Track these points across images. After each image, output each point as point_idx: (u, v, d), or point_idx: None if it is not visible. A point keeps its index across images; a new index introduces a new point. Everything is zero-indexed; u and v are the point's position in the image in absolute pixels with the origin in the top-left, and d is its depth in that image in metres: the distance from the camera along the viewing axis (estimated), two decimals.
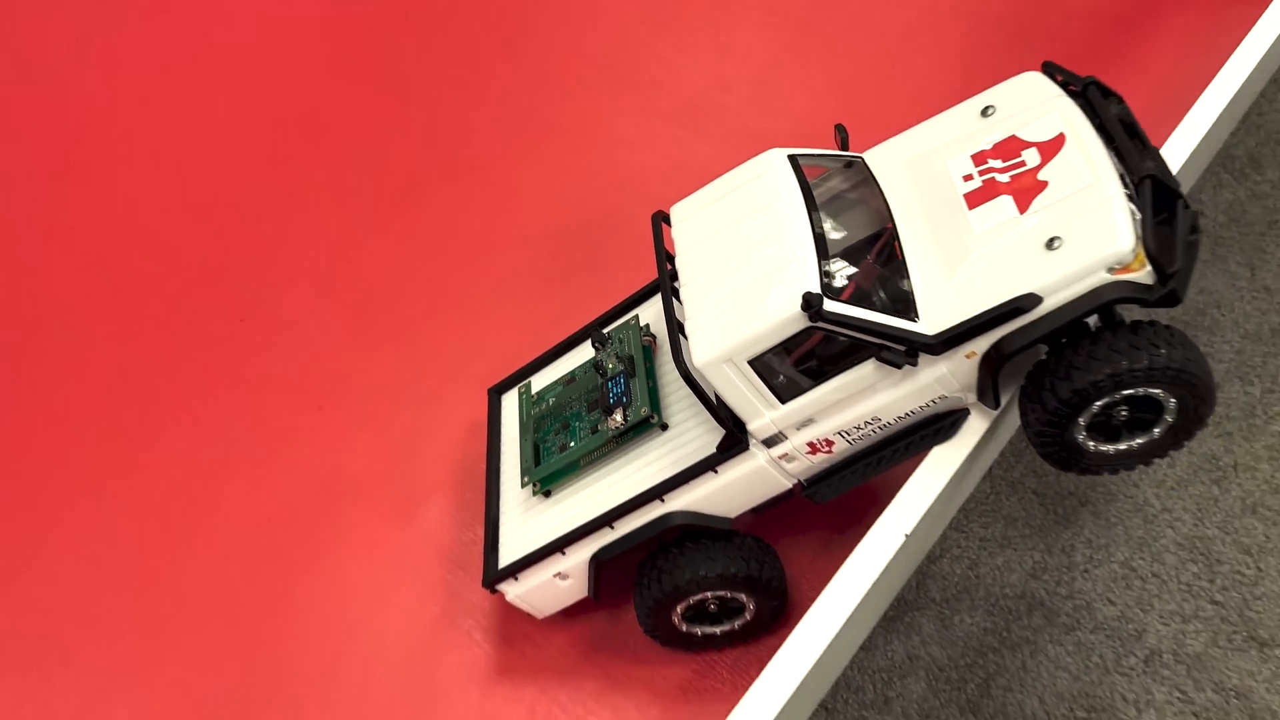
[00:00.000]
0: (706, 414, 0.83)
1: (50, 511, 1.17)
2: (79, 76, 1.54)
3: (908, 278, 0.79)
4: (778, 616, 0.93)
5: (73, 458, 1.21)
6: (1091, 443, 0.82)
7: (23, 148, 1.48)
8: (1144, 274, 0.74)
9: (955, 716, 0.96)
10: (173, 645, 1.05)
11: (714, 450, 0.84)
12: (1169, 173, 0.77)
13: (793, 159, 0.85)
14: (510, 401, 1.03)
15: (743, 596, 0.90)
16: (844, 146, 0.90)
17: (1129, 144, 0.78)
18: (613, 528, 0.88)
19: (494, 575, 0.92)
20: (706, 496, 0.86)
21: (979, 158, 0.81)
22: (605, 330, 0.98)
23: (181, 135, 1.47)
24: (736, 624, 0.93)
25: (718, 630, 0.93)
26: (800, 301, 0.75)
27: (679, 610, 0.90)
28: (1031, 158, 0.79)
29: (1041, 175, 0.78)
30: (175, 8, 1.60)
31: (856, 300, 0.77)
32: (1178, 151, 0.97)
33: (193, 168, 1.43)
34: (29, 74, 1.55)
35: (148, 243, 1.36)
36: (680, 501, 0.87)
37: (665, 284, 0.85)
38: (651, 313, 0.97)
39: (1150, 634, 0.97)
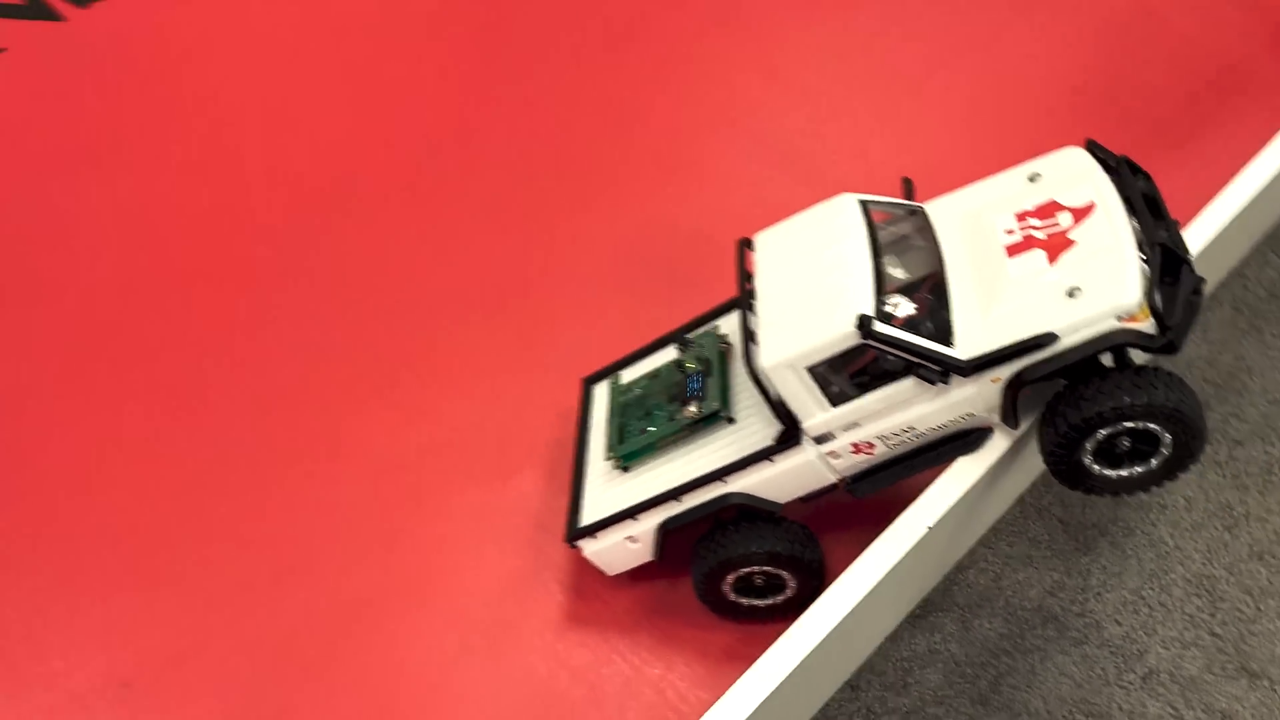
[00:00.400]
0: (768, 411, 0.97)
1: (162, 453, 1.29)
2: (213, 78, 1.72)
3: (951, 311, 0.93)
4: (816, 597, 1.06)
5: (210, 393, 1.34)
6: (1096, 466, 0.94)
7: (168, 138, 1.63)
8: (1147, 325, 0.87)
9: (966, 706, 1.07)
10: (287, 569, 1.19)
11: (772, 442, 0.98)
12: (1181, 242, 0.90)
13: (863, 203, 1.00)
14: (601, 390, 1.19)
15: (785, 574, 1.03)
16: (909, 197, 1.04)
17: (1148, 216, 0.91)
18: (680, 501, 1.02)
19: (575, 532, 1.07)
20: (762, 482, 1.00)
21: (1021, 216, 0.95)
22: (689, 336, 1.13)
23: (329, 128, 1.62)
24: (779, 599, 1.05)
25: (762, 603, 1.06)
26: (855, 321, 0.89)
27: (729, 580, 1.03)
28: (1065, 219, 0.93)
29: (1071, 235, 0.91)
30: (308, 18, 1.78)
31: (907, 327, 0.91)
32: (1208, 227, 1.09)
33: (349, 157, 1.58)
34: (179, 73, 1.72)
35: (298, 225, 1.52)
36: (739, 484, 1.00)
37: (743, 299, 1.00)
38: (730, 324, 1.11)
39: (1151, 655, 1.07)
